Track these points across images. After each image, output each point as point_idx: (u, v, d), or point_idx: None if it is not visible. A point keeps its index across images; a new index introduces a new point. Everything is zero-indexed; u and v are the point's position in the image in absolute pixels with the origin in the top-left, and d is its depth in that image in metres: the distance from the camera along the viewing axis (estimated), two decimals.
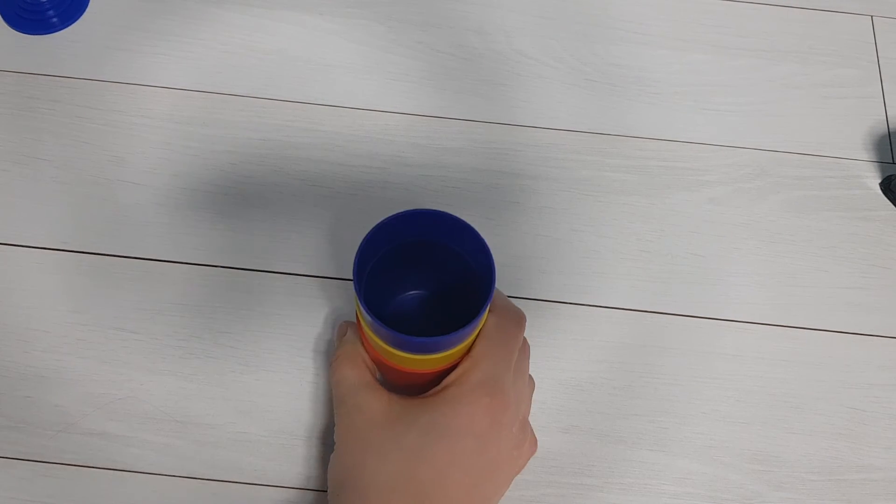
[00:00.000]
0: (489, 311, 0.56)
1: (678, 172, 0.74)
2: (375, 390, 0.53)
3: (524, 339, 0.57)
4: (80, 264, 0.67)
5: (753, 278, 0.70)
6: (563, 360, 0.66)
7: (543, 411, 0.63)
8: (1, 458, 0.60)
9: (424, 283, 0.61)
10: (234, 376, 0.63)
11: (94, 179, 0.71)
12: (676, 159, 0.75)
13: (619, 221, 0.72)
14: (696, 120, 0.77)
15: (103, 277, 0.67)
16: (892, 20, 0.84)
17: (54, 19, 0.78)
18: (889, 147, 0.77)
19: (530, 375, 0.58)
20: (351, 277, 0.68)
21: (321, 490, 0.60)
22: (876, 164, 0.76)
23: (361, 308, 0.50)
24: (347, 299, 0.67)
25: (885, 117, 0.78)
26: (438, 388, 0.52)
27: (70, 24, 0.78)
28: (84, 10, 0.79)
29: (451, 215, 0.53)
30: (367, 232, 0.52)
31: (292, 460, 0.61)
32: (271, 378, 0.63)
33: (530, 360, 0.65)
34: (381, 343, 0.52)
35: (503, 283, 0.67)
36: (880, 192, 0.74)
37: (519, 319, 0.55)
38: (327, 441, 0.62)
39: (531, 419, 0.62)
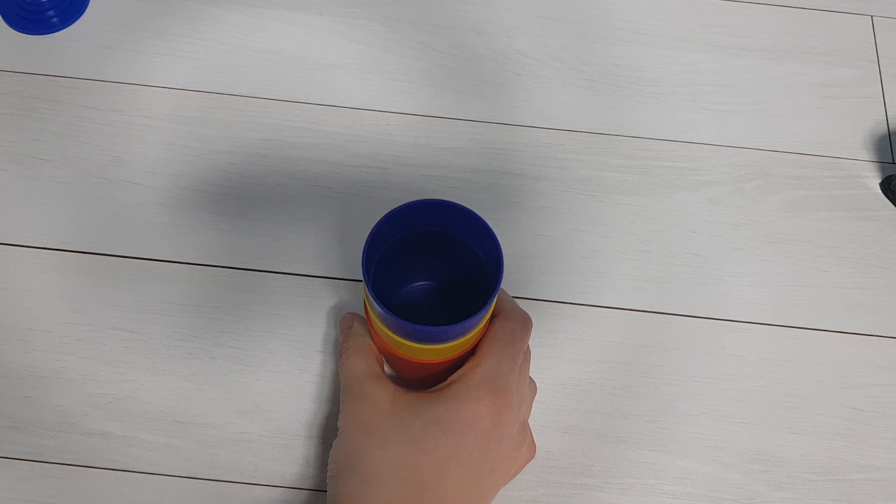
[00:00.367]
0: (496, 313, 0.56)
1: (678, 172, 0.74)
2: (382, 381, 0.53)
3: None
4: (80, 264, 0.67)
5: (753, 278, 0.70)
6: (563, 360, 0.66)
7: (544, 411, 0.63)
8: (0, 457, 0.60)
9: (433, 274, 0.62)
10: (233, 376, 0.63)
11: (94, 179, 0.71)
12: (676, 159, 0.75)
13: (620, 221, 0.72)
14: (696, 120, 0.77)
15: (103, 277, 0.67)
16: (892, 20, 0.84)
17: (54, 19, 0.78)
18: (889, 147, 0.77)
19: (531, 379, 0.58)
20: (352, 277, 0.68)
21: (322, 490, 0.60)
22: (876, 163, 0.76)
23: (370, 297, 0.51)
24: (348, 299, 0.67)
25: (885, 117, 0.78)
26: (444, 384, 0.52)
27: (70, 24, 0.78)
28: (84, 10, 0.79)
29: (459, 205, 0.53)
30: (373, 225, 0.52)
31: (292, 460, 0.61)
32: (271, 378, 0.63)
33: (531, 361, 0.65)
34: (388, 332, 0.53)
35: (504, 283, 0.67)
36: (880, 191, 0.74)
37: (526, 322, 0.56)
38: (327, 441, 0.61)
39: (531, 420, 0.62)
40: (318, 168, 0.72)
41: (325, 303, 0.66)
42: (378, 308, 0.50)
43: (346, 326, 0.58)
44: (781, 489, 0.62)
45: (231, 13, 0.80)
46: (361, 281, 0.66)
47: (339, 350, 0.55)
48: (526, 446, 0.56)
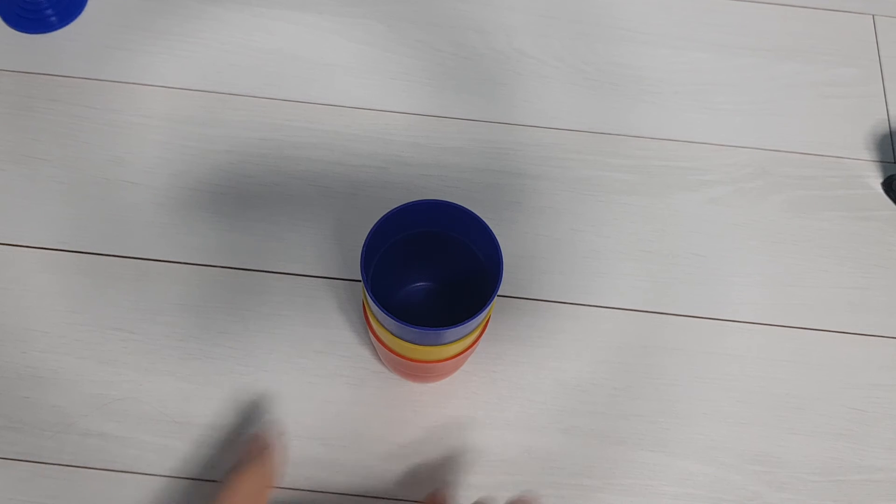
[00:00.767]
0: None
1: (679, 172, 0.74)
2: None
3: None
4: (79, 264, 0.67)
5: (755, 278, 0.70)
6: (563, 360, 0.65)
7: (544, 412, 0.63)
8: None
9: (432, 274, 0.62)
10: (232, 377, 0.63)
11: (93, 179, 0.71)
12: (677, 159, 0.75)
13: (620, 221, 0.71)
14: (698, 119, 0.77)
15: (102, 277, 0.66)
16: (893, 19, 0.84)
17: (53, 18, 0.78)
18: (891, 146, 0.77)
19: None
20: (352, 277, 0.68)
21: (321, 491, 0.60)
22: (878, 163, 0.76)
23: (368, 297, 0.51)
24: (348, 299, 0.66)
25: (886, 116, 0.78)
26: None
27: (69, 23, 0.78)
28: (83, 9, 0.79)
29: (459, 205, 0.53)
30: (372, 225, 0.52)
31: (292, 461, 0.61)
32: (270, 378, 0.63)
33: (530, 361, 0.65)
34: (387, 333, 0.53)
35: (504, 283, 0.67)
36: (882, 191, 0.74)
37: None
38: (327, 442, 0.61)
39: (532, 420, 0.62)
40: (317, 168, 0.72)
41: (324, 303, 0.66)
42: (377, 309, 0.50)
43: (259, 447, 0.56)
44: (782, 490, 0.62)
45: (230, 12, 0.80)
46: (360, 281, 0.65)
47: (239, 465, 0.54)
48: None
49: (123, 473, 0.60)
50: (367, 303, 0.53)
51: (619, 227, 0.71)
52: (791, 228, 0.72)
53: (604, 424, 0.63)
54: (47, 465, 0.60)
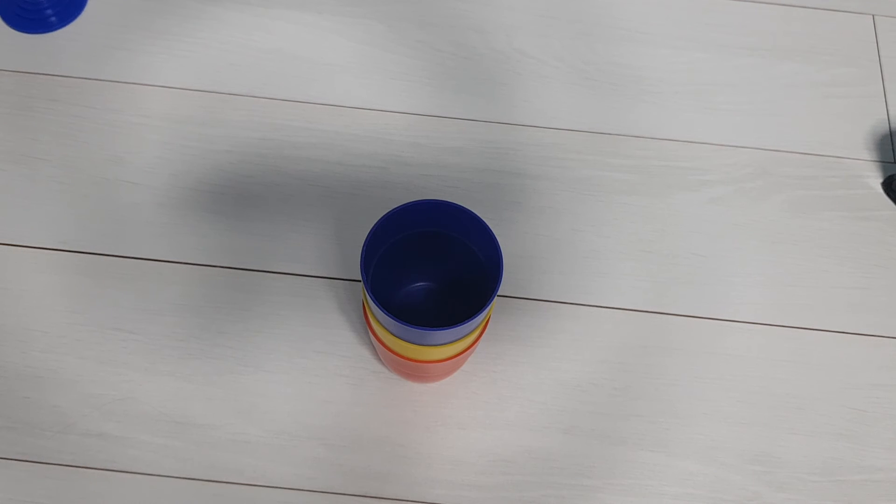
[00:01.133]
0: None
1: (679, 172, 0.74)
2: None
3: None
4: (79, 264, 0.67)
5: (755, 278, 0.70)
6: (563, 360, 0.65)
7: (544, 412, 0.63)
8: None
9: (432, 274, 0.62)
10: (233, 377, 0.63)
11: (93, 179, 0.71)
12: (678, 159, 0.75)
13: (621, 221, 0.71)
14: (698, 119, 0.77)
15: (102, 277, 0.66)
16: (893, 19, 0.84)
17: (52, 18, 0.77)
18: (891, 146, 0.76)
19: None
20: (352, 277, 0.68)
21: (321, 491, 0.60)
22: (878, 163, 0.76)
23: (368, 297, 0.51)
24: (348, 299, 0.66)
25: (886, 116, 0.78)
26: None
27: (68, 23, 0.78)
28: (82, 9, 0.79)
29: (459, 205, 0.53)
30: (372, 225, 0.52)
31: (292, 461, 0.61)
32: (270, 378, 0.63)
33: (530, 361, 0.65)
34: (387, 333, 0.53)
35: (504, 283, 0.67)
36: (882, 191, 0.74)
37: None
38: (327, 442, 0.61)
39: (532, 420, 0.62)
40: (317, 168, 0.72)
41: (324, 303, 0.66)
42: (377, 309, 0.50)
43: None
44: (783, 490, 0.62)
45: (230, 12, 0.80)
46: (360, 281, 0.65)
47: None
48: None
49: (123, 474, 0.60)
50: (367, 303, 0.53)
51: (619, 227, 0.71)
52: (791, 228, 0.72)
53: (604, 424, 0.63)
54: (47, 465, 0.60)
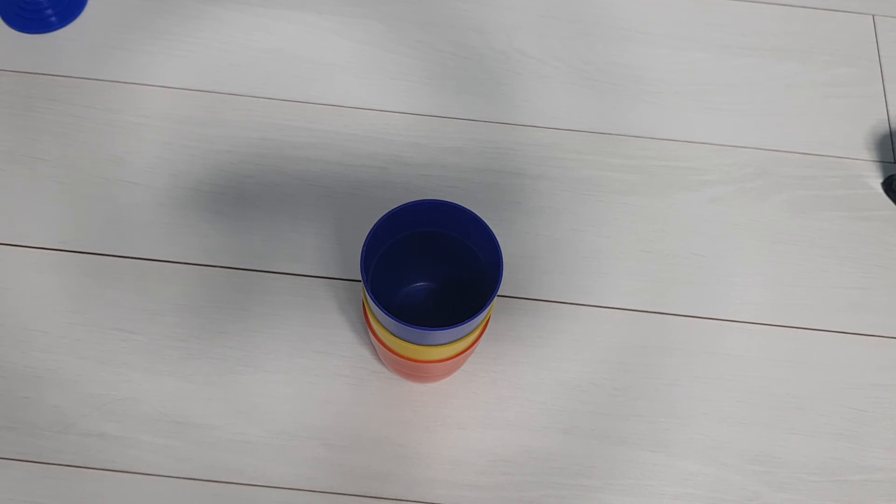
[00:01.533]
0: None
1: (679, 172, 0.74)
2: None
3: None
4: (79, 264, 0.67)
5: (755, 278, 0.70)
6: (564, 360, 0.65)
7: (544, 412, 0.63)
8: None
9: (432, 275, 0.62)
10: (233, 377, 0.63)
11: (93, 179, 0.71)
12: (677, 159, 0.75)
13: (621, 221, 0.71)
14: (698, 119, 0.77)
15: (102, 277, 0.66)
16: (893, 19, 0.84)
17: (53, 18, 0.77)
18: (891, 146, 0.76)
19: None
20: (352, 277, 0.68)
21: (321, 491, 0.60)
22: (878, 163, 0.76)
23: (368, 297, 0.51)
24: (348, 299, 0.66)
25: (886, 116, 0.78)
26: None
27: (69, 23, 0.78)
28: (83, 9, 0.79)
29: (458, 205, 0.53)
30: (372, 225, 0.52)
31: (292, 461, 0.61)
32: (270, 378, 0.63)
33: (530, 361, 0.65)
34: (387, 333, 0.53)
35: (504, 283, 0.67)
36: (882, 191, 0.74)
37: None
38: (327, 442, 0.61)
39: (532, 420, 0.62)
40: (317, 168, 0.72)
41: (324, 303, 0.66)
42: (377, 309, 0.50)
43: None
44: (783, 490, 0.62)
45: (230, 12, 0.79)
46: (360, 281, 0.65)
47: None
48: None
49: (123, 474, 0.60)
50: (367, 303, 0.53)
51: (619, 227, 0.71)
52: (791, 228, 0.72)
53: (604, 424, 0.63)
54: (47, 466, 0.60)
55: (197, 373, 0.63)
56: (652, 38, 0.81)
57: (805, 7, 0.84)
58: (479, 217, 0.53)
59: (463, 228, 0.55)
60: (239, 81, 0.76)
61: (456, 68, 0.78)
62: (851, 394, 0.65)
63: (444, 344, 0.52)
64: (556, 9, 0.82)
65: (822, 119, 0.78)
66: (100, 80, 0.75)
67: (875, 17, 0.84)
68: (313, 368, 0.64)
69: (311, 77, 0.76)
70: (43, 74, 0.75)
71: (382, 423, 0.62)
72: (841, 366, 0.67)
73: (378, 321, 0.53)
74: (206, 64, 0.77)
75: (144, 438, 0.61)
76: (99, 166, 0.71)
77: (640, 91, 0.78)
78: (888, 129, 0.77)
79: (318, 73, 0.77)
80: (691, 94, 0.78)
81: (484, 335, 0.58)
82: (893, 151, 0.76)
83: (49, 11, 0.77)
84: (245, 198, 0.70)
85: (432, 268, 0.61)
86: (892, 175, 0.74)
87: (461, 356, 0.56)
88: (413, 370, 0.57)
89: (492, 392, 0.64)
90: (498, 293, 0.57)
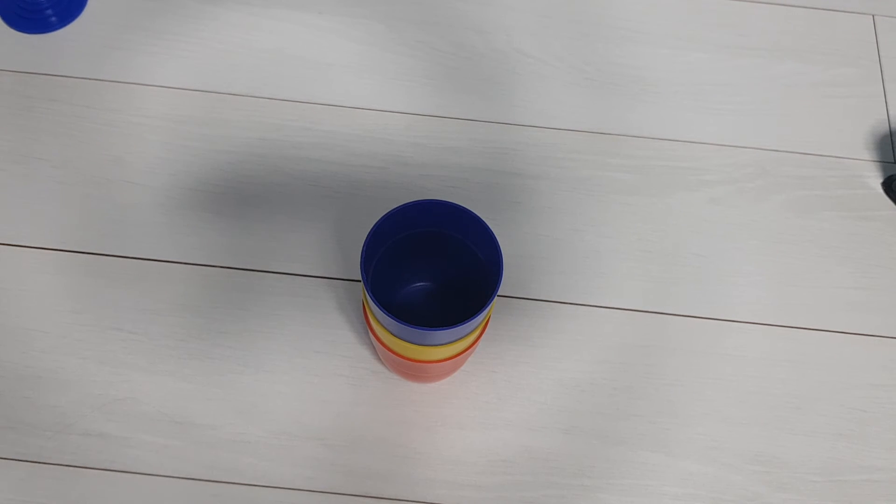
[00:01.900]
0: None
1: (679, 172, 0.74)
2: None
3: None
4: (79, 264, 0.67)
5: (755, 278, 0.70)
6: (564, 360, 0.65)
7: (544, 412, 0.63)
8: None
9: (432, 275, 0.62)
10: (233, 377, 0.63)
11: (93, 179, 0.71)
12: (677, 159, 0.75)
13: (621, 221, 0.71)
14: (697, 119, 0.77)
15: (102, 277, 0.66)
16: (893, 19, 0.84)
17: (53, 18, 0.77)
18: (891, 146, 0.76)
19: None
20: (352, 277, 0.68)
21: (321, 491, 0.60)
22: (878, 163, 0.76)
23: (368, 297, 0.51)
24: (348, 299, 0.66)
25: (886, 116, 0.78)
26: None
27: (68, 23, 0.78)
28: (83, 9, 0.79)
29: (458, 205, 0.53)
30: (372, 225, 0.52)
31: (292, 461, 0.61)
32: (270, 378, 0.63)
33: (530, 361, 0.65)
34: (387, 333, 0.53)
35: (504, 283, 0.67)
36: (882, 191, 0.74)
37: None
38: (327, 442, 0.61)
39: (532, 420, 0.62)
40: (317, 168, 0.72)
41: (324, 303, 0.66)
42: (377, 309, 0.50)
43: None
44: (783, 490, 0.62)
45: (230, 12, 0.79)
46: (360, 281, 0.65)
47: None
48: None
49: (123, 474, 0.60)
50: (367, 303, 0.53)
51: (619, 227, 0.71)
52: (791, 228, 0.72)
53: (604, 424, 0.63)
54: (47, 466, 0.60)
55: (197, 373, 0.63)
56: (652, 38, 0.81)
57: (805, 7, 0.84)
58: (479, 217, 0.53)
59: (463, 228, 0.55)
60: (239, 81, 0.76)
61: (456, 68, 0.78)
62: (851, 394, 0.65)
63: (444, 344, 0.52)
64: (557, 9, 0.82)
65: (822, 119, 0.78)
66: (100, 80, 0.75)
67: (875, 17, 0.84)
68: (313, 368, 0.64)
69: (311, 77, 0.76)
70: (43, 74, 0.75)
71: (382, 423, 0.62)
72: (841, 366, 0.67)
73: (378, 321, 0.53)
74: (206, 64, 0.77)
75: (144, 438, 0.61)
76: (99, 166, 0.71)
77: (640, 91, 0.78)
78: (888, 129, 0.77)
79: (317, 73, 0.77)
80: (691, 94, 0.78)
81: (484, 335, 0.58)
82: (893, 151, 0.76)
83: (49, 11, 0.77)
84: (245, 198, 0.70)
85: (432, 268, 0.61)
86: (892, 175, 0.74)
87: (461, 356, 0.56)
88: (413, 370, 0.57)
89: (492, 392, 0.64)
90: (498, 293, 0.57)
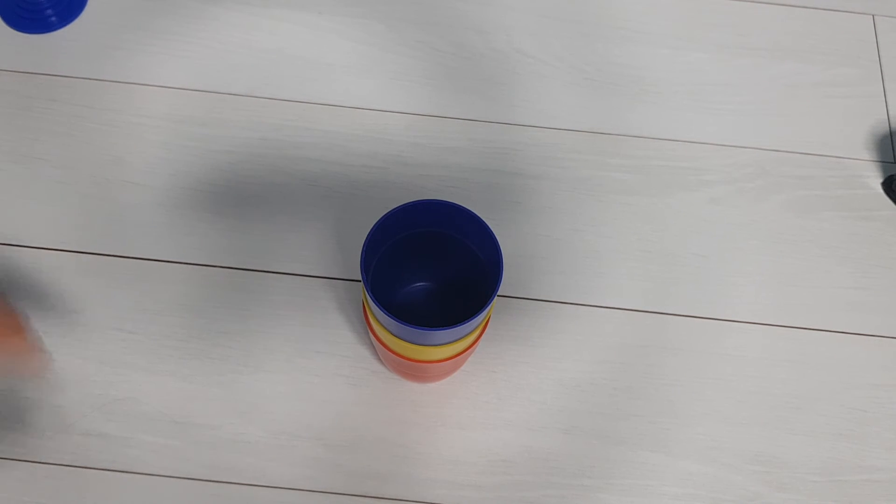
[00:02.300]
0: None
1: (679, 172, 0.74)
2: None
3: None
4: (79, 264, 0.67)
5: (755, 278, 0.70)
6: (564, 360, 0.65)
7: (544, 412, 0.63)
8: None
9: (432, 275, 0.62)
10: (233, 377, 0.63)
11: (93, 179, 0.71)
12: (677, 159, 0.75)
13: (621, 221, 0.71)
14: (697, 119, 0.77)
15: (102, 277, 0.66)
16: (893, 19, 0.84)
17: (53, 18, 0.77)
18: (891, 146, 0.76)
19: None
20: (352, 277, 0.68)
21: (321, 491, 0.60)
22: (877, 163, 0.76)
23: (368, 297, 0.51)
24: (348, 299, 0.66)
25: (886, 116, 0.78)
26: None
27: (69, 23, 0.78)
28: (83, 9, 0.79)
29: (458, 205, 0.53)
30: (372, 225, 0.52)
31: (292, 461, 0.61)
32: (270, 378, 0.63)
33: (530, 361, 0.65)
34: (387, 333, 0.53)
35: (504, 283, 0.67)
36: (882, 191, 0.74)
37: None
38: (327, 442, 0.61)
39: (532, 420, 0.62)
40: (317, 168, 0.72)
41: (324, 303, 0.66)
42: (377, 309, 0.50)
43: None
44: (783, 490, 0.62)
45: (230, 12, 0.79)
46: (360, 281, 0.65)
47: None
48: None
49: (123, 474, 0.60)
50: (367, 303, 0.53)
51: (619, 227, 0.71)
52: (791, 228, 0.72)
53: (604, 424, 0.63)
54: (47, 466, 0.60)
55: (197, 373, 0.63)
56: (652, 38, 0.81)
57: (805, 7, 0.84)
58: (478, 217, 0.53)
59: (463, 228, 0.55)
60: (239, 81, 0.76)
61: (456, 68, 0.78)
62: (852, 394, 0.65)
63: (444, 344, 0.52)
64: (556, 9, 0.82)
65: (822, 119, 0.78)
66: (100, 80, 0.75)
67: (875, 17, 0.84)
68: (313, 368, 0.64)
69: (311, 77, 0.76)
70: (43, 74, 0.75)
71: (382, 423, 0.62)
72: (841, 366, 0.67)
73: (378, 321, 0.53)
74: (206, 64, 0.77)
75: (144, 438, 0.61)
76: (99, 166, 0.71)
77: (640, 91, 0.78)
78: (888, 129, 0.77)
79: (317, 73, 0.77)
80: (691, 94, 0.78)
81: (484, 335, 0.58)
82: (893, 151, 0.76)
83: (49, 11, 0.77)
84: (245, 198, 0.70)
85: (432, 268, 0.61)
86: (892, 175, 0.74)
87: (461, 356, 0.56)
88: (413, 370, 0.57)
89: (492, 392, 0.64)
90: (498, 293, 0.57)
